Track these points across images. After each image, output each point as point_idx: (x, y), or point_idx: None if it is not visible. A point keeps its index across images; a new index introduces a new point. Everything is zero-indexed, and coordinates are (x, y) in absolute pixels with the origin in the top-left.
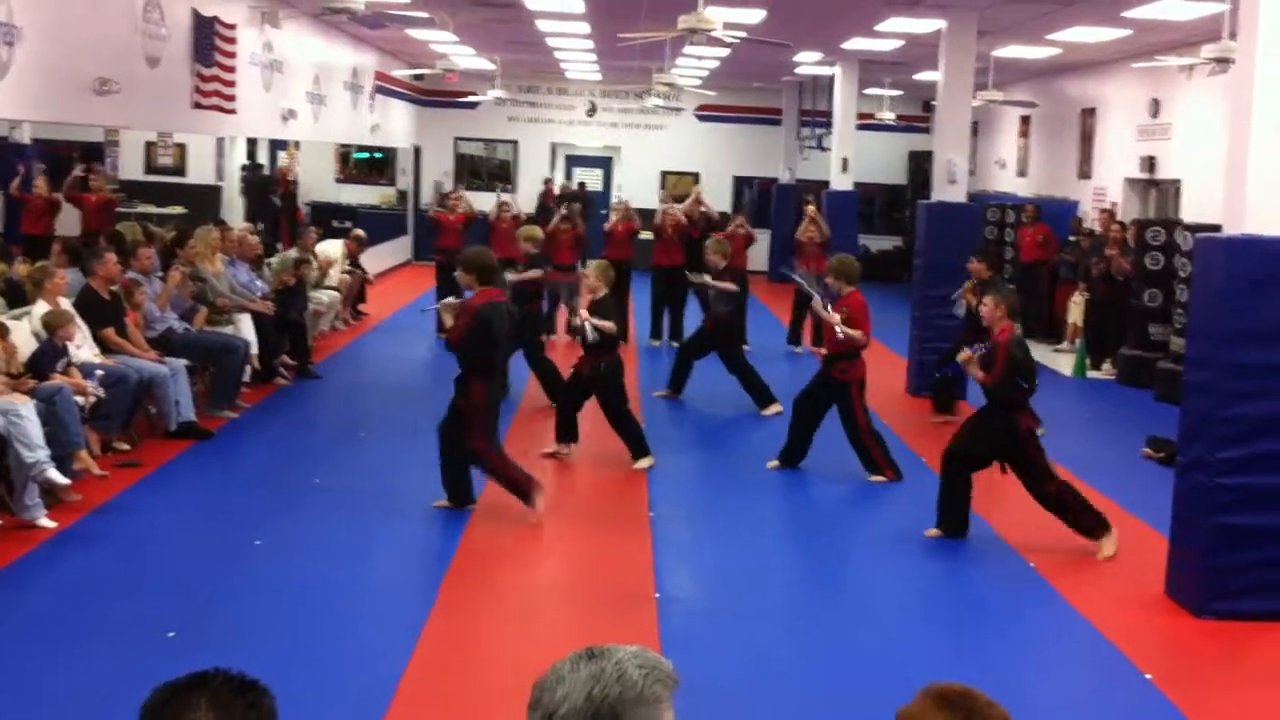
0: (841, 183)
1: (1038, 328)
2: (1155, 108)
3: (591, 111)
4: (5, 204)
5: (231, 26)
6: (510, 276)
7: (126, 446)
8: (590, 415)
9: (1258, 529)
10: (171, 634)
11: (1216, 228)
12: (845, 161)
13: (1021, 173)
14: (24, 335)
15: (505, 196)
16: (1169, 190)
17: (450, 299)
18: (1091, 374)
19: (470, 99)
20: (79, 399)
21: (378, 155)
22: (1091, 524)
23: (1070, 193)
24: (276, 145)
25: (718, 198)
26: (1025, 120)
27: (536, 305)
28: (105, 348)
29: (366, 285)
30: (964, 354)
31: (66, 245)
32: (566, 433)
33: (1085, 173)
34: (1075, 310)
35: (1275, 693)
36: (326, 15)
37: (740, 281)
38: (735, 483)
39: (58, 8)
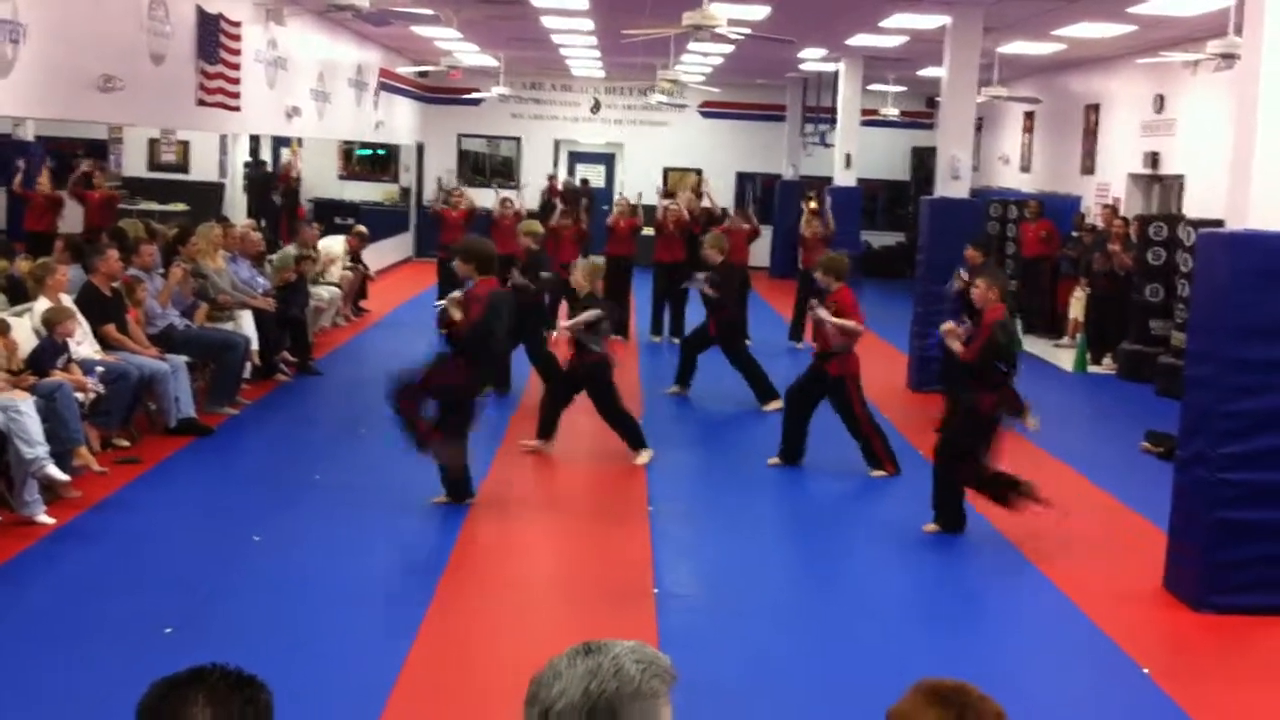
0: (845, 179)
1: (1039, 323)
2: (1160, 103)
3: (595, 108)
4: (8, 200)
5: (236, 24)
6: (514, 278)
7: (126, 443)
8: (587, 411)
9: (1257, 524)
10: (170, 630)
11: (1219, 223)
12: (849, 157)
13: (1025, 168)
14: (25, 332)
15: (507, 193)
16: (1172, 186)
17: (455, 294)
18: (1092, 369)
19: (474, 96)
20: (79, 395)
21: (381, 152)
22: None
23: (1074, 188)
24: (280, 142)
25: (721, 194)
26: (1029, 116)
27: (538, 299)
28: (106, 344)
29: (368, 282)
30: (947, 325)
31: (69, 242)
32: (547, 428)
33: (1089, 168)
34: (1077, 305)
35: (1274, 688)
36: (331, 12)
37: (742, 277)
38: (735, 478)
39: (62, 5)
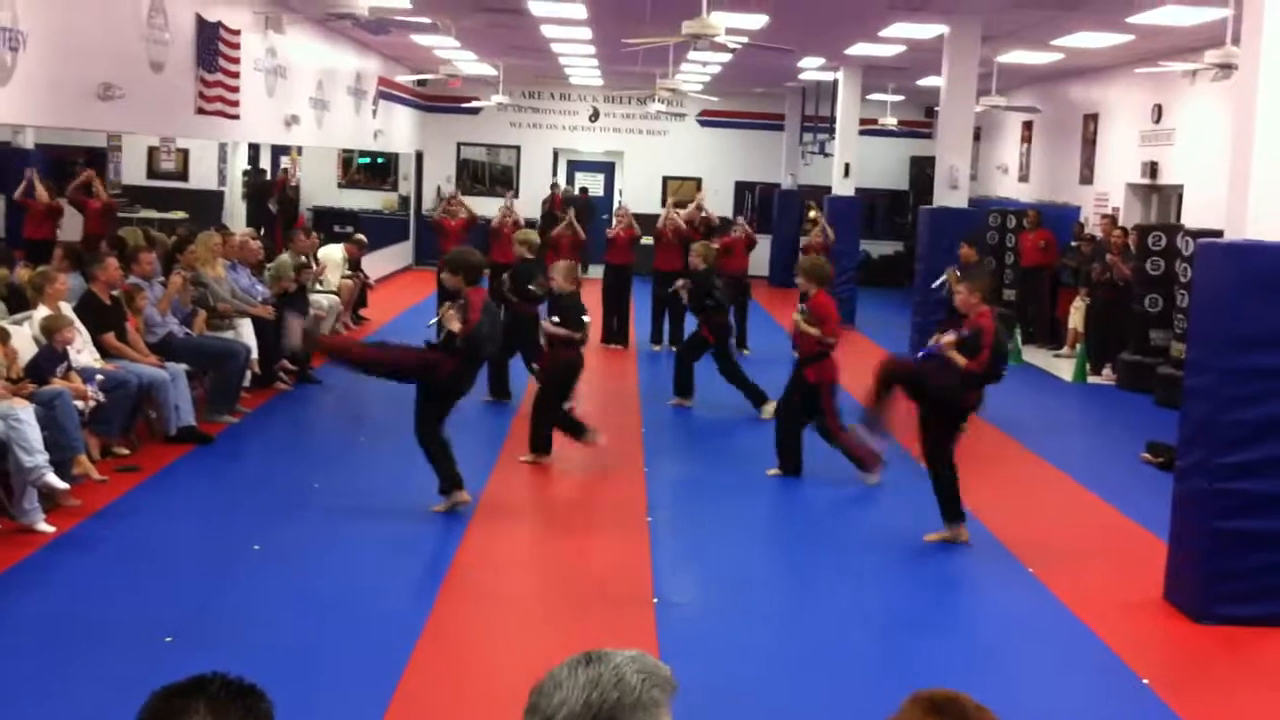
0: (844, 188)
1: (1039, 333)
2: (1158, 113)
3: (594, 117)
4: (7, 209)
5: (235, 32)
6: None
7: (126, 451)
8: (587, 420)
9: (1257, 534)
10: (170, 638)
11: (1218, 233)
12: (847, 167)
13: (1023, 178)
14: (24, 340)
15: (507, 202)
16: (1171, 196)
17: (449, 306)
18: (1092, 379)
19: (473, 104)
20: (79, 403)
21: (380, 160)
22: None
23: (1072, 198)
24: (279, 150)
25: (720, 203)
26: (1028, 125)
27: (531, 308)
28: (106, 352)
29: (368, 290)
30: (948, 338)
31: (68, 250)
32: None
33: (1087, 178)
34: (1076, 315)
35: (1275, 698)
36: (330, 21)
37: (741, 286)
38: (734, 487)
39: (62, 13)
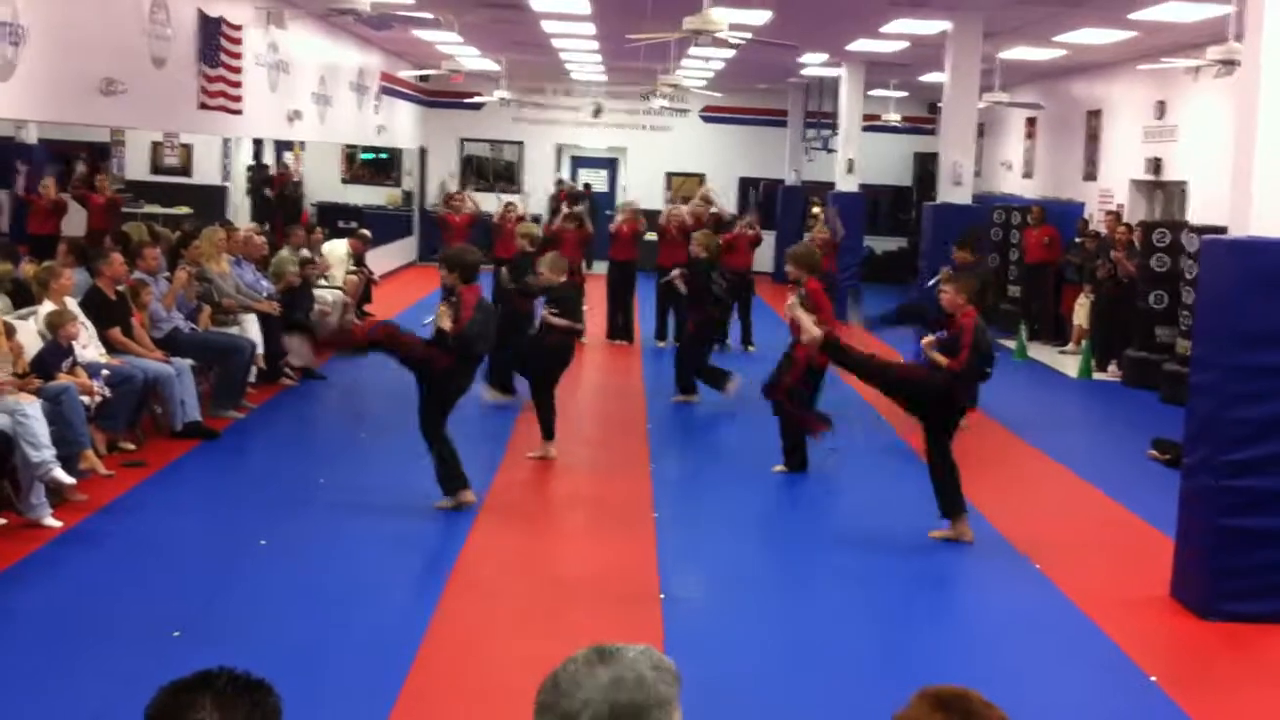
0: (847, 184)
1: (1043, 329)
2: (1161, 109)
3: (597, 113)
4: (11, 204)
5: (237, 27)
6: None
7: (132, 446)
8: (592, 417)
9: (1263, 531)
10: (177, 633)
11: (1222, 229)
12: (851, 163)
13: (1027, 174)
14: (30, 335)
15: (510, 198)
16: (1175, 192)
17: (443, 307)
18: (1097, 376)
19: (476, 100)
20: (85, 399)
21: (383, 156)
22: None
23: (1076, 194)
24: (282, 146)
25: (723, 200)
26: (1031, 122)
27: (528, 305)
28: (111, 348)
29: (372, 285)
30: (927, 339)
31: (73, 245)
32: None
33: (1091, 174)
34: (1081, 312)
35: None
36: (332, 16)
37: (745, 283)
38: (739, 483)
39: (64, 8)
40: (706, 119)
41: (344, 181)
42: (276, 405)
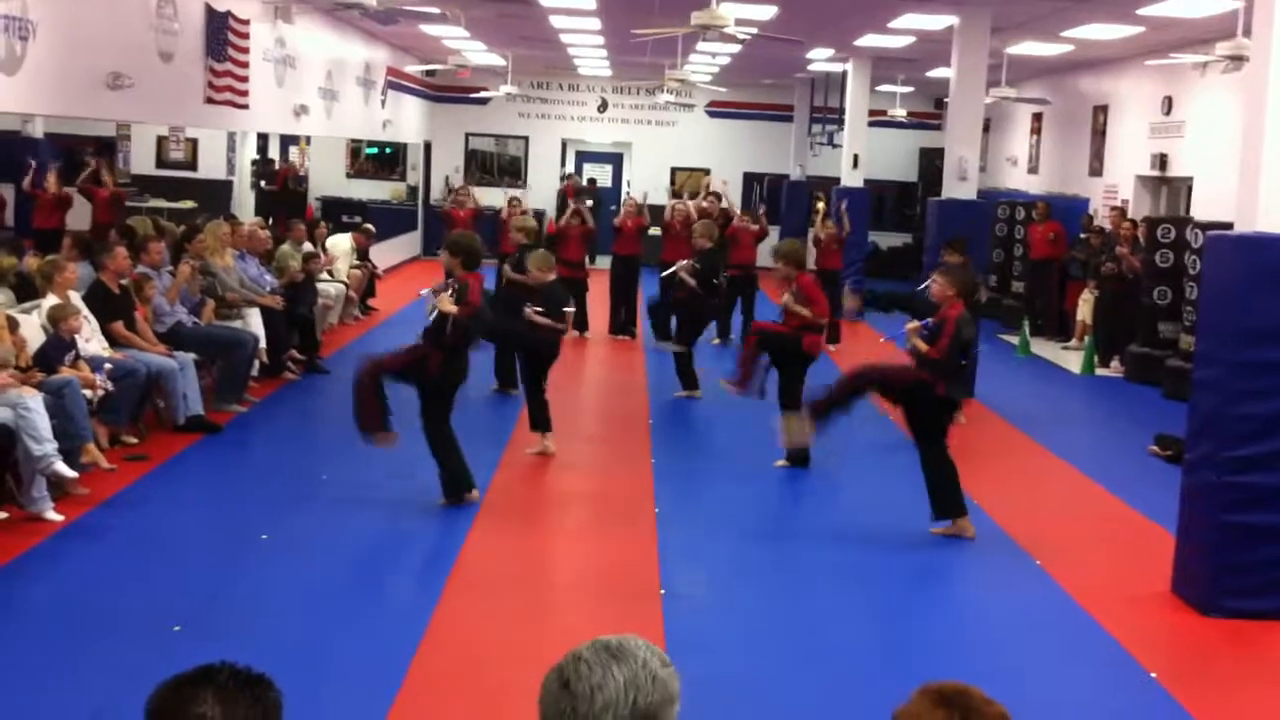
0: (852, 179)
1: (1047, 325)
2: (1168, 105)
3: (603, 107)
4: (17, 198)
5: (245, 22)
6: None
7: (134, 440)
8: (594, 413)
9: (1265, 527)
10: (178, 628)
11: (1228, 225)
12: (856, 158)
13: (1033, 170)
14: (33, 329)
15: (515, 192)
16: (1180, 188)
17: (440, 290)
18: (1100, 371)
19: (481, 94)
20: (87, 392)
21: (388, 150)
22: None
23: (1081, 190)
24: (288, 140)
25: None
26: (1037, 117)
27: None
28: (114, 341)
29: (376, 280)
30: (912, 324)
31: (77, 239)
32: (540, 423)
33: (1097, 170)
34: (1085, 307)
35: None
36: (339, 11)
37: (748, 278)
38: (741, 479)
39: (71, 3)
40: (712, 114)
41: (349, 176)
42: (279, 399)
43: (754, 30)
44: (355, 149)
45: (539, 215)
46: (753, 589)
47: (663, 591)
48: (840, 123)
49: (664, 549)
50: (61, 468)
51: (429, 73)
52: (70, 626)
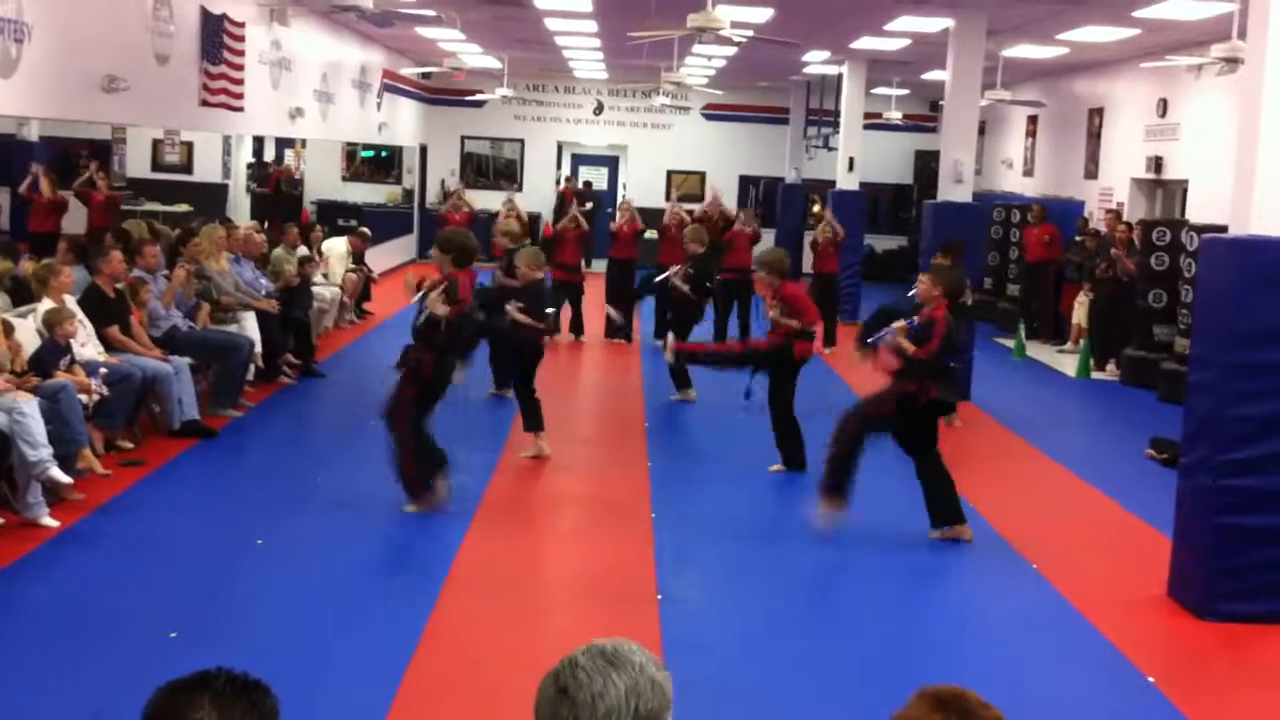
0: (848, 182)
1: (1042, 328)
2: (1163, 108)
3: (598, 110)
4: (12, 201)
5: (240, 24)
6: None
7: (130, 445)
8: (590, 416)
9: (1261, 530)
10: (174, 633)
11: (1223, 228)
12: (852, 161)
13: (1028, 172)
14: (28, 333)
15: (511, 195)
16: (1175, 191)
17: (434, 292)
18: (1095, 374)
19: (477, 97)
20: (83, 397)
21: (384, 153)
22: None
23: (1077, 193)
24: (284, 143)
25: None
26: (1033, 120)
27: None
28: (109, 346)
29: (371, 283)
30: (899, 324)
31: (72, 243)
32: (533, 423)
33: (1092, 173)
34: (1080, 310)
35: (1278, 696)
36: (335, 13)
37: (744, 281)
38: (737, 482)
39: (67, 5)
40: (708, 117)
41: (344, 179)
42: (275, 404)
43: (750, 33)
44: (351, 152)
45: (534, 218)
46: (749, 591)
47: (659, 594)
48: (836, 125)
49: (660, 552)
50: (57, 473)
51: (425, 75)
52: (67, 632)
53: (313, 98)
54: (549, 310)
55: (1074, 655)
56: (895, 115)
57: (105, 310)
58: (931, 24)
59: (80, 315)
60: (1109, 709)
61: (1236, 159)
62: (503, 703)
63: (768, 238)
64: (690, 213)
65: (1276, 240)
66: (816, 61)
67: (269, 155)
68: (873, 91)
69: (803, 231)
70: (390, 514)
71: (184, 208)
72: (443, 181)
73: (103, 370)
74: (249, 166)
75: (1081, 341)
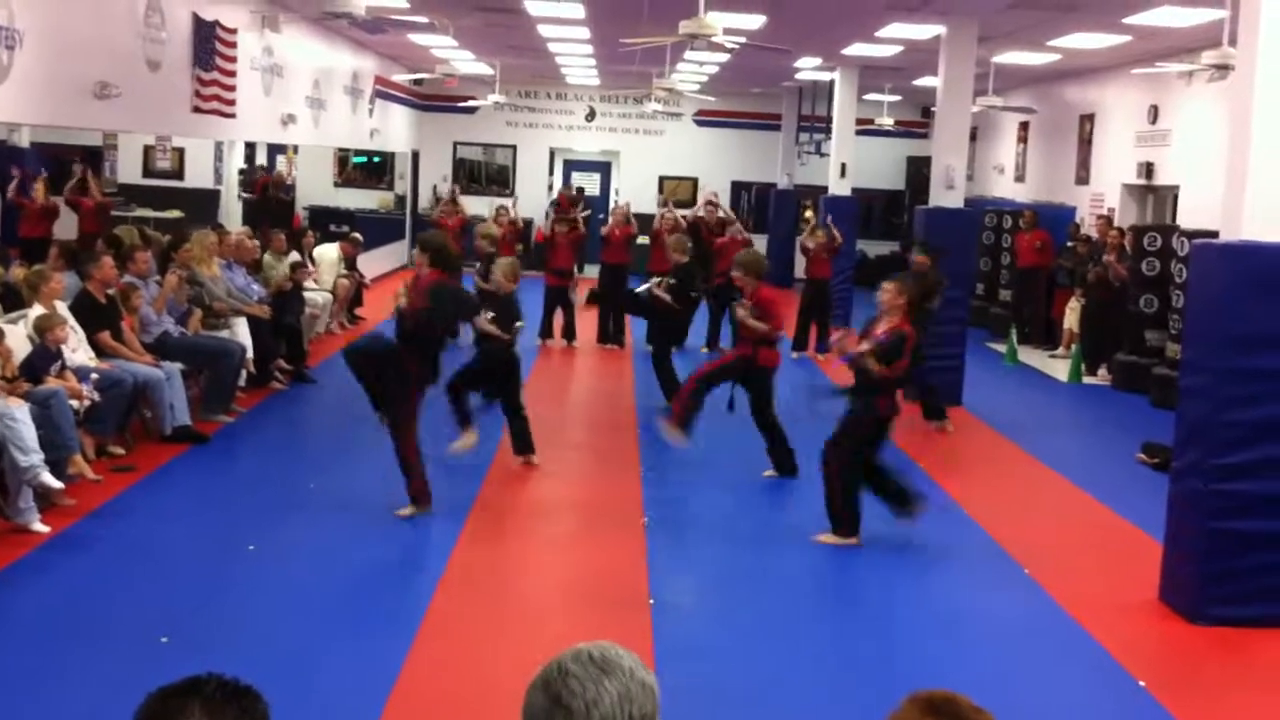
0: (840, 188)
1: (1034, 333)
2: (1154, 114)
3: (590, 116)
4: (2, 207)
5: (232, 31)
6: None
7: (121, 450)
8: (583, 421)
9: (1252, 535)
10: (165, 639)
11: (1214, 234)
12: (844, 166)
13: (1020, 178)
14: (19, 339)
15: (503, 202)
16: (1166, 196)
17: (402, 286)
18: (1087, 379)
19: (469, 103)
20: (74, 403)
21: (376, 159)
22: (839, 517)
23: (1068, 198)
24: (275, 149)
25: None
26: (1024, 126)
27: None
28: (101, 351)
29: (363, 289)
30: (864, 347)
31: (63, 249)
32: (520, 443)
33: (1083, 178)
34: (1071, 316)
35: (1270, 699)
36: (327, 20)
37: (734, 287)
38: (730, 488)
39: (58, 11)
40: (700, 123)
41: (336, 185)
42: (266, 409)
43: (742, 39)
44: (343, 158)
45: (527, 224)
46: (741, 596)
47: (651, 599)
48: (828, 131)
49: (653, 556)
50: (48, 479)
51: (417, 82)
52: (57, 638)
53: (305, 104)
54: (518, 324)
55: (1066, 659)
56: (887, 121)
57: (96, 316)
58: (923, 31)
59: (71, 321)
60: (1101, 713)
61: (1227, 164)
62: (496, 708)
63: (759, 244)
64: (685, 217)
65: (1267, 245)
66: (808, 68)
67: (261, 162)
68: (864, 97)
69: (796, 236)
70: (383, 519)
71: (176, 214)
72: (435, 187)
73: (94, 376)
74: (241, 172)
75: (1073, 346)
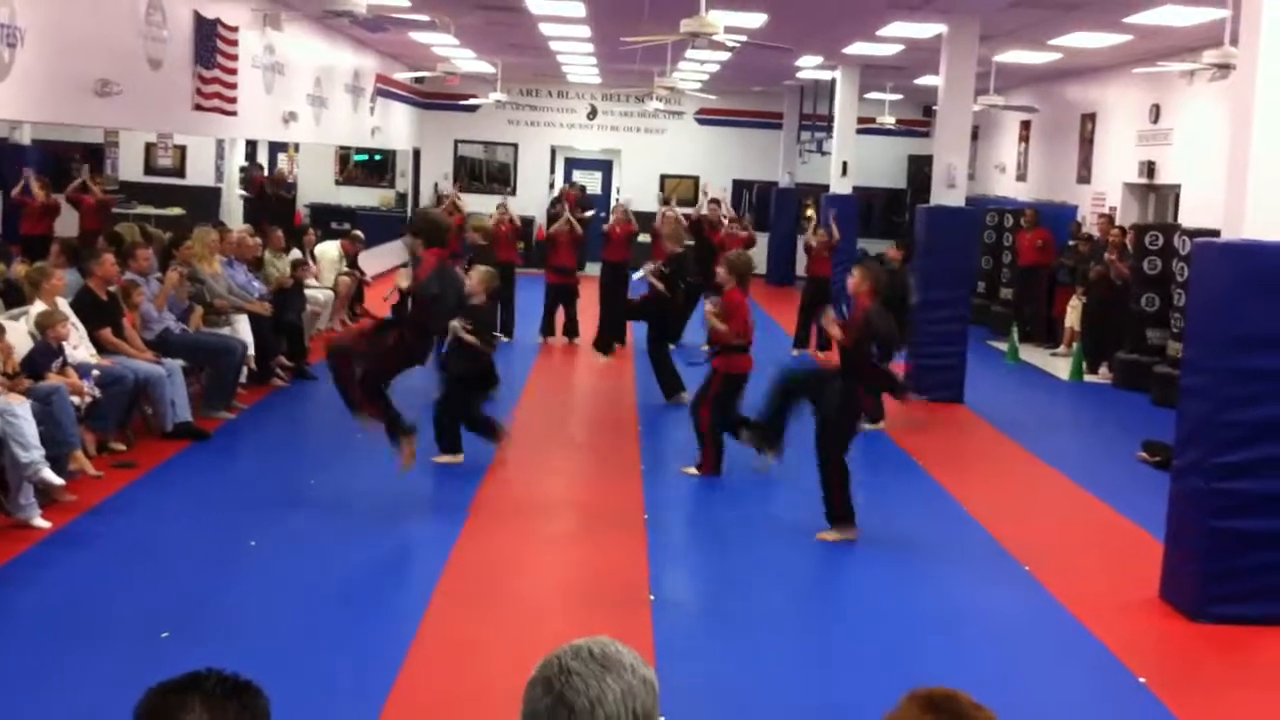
0: (841, 187)
1: (1035, 332)
2: (1155, 113)
3: (592, 114)
4: (4, 205)
5: (233, 29)
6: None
7: (122, 447)
8: (583, 420)
9: (1253, 533)
10: (165, 635)
11: (1215, 233)
12: (845, 165)
13: (1021, 177)
14: (21, 335)
15: (503, 199)
16: (1168, 195)
17: (402, 269)
18: (1089, 378)
19: (470, 102)
20: (75, 399)
21: (377, 157)
22: (837, 511)
23: (1070, 197)
24: (277, 147)
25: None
26: (1025, 125)
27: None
28: (102, 348)
29: (364, 287)
30: (828, 314)
31: (65, 246)
32: (487, 433)
33: (1085, 177)
34: (1073, 314)
35: (1271, 697)
36: (328, 18)
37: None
38: (730, 487)
39: (60, 9)
40: (701, 121)
41: (338, 183)
42: (267, 406)
43: (743, 38)
44: (344, 156)
45: (528, 222)
46: (742, 595)
47: (652, 598)
48: (829, 130)
49: (653, 555)
50: (49, 475)
51: (418, 80)
52: (58, 633)
53: (306, 102)
54: (494, 334)
55: (1066, 657)
56: (888, 120)
57: (98, 313)
58: (924, 30)
59: (73, 318)
60: (1101, 711)
61: (1229, 164)
62: (496, 706)
63: (761, 242)
64: (687, 216)
65: (1269, 244)
66: (810, 66)
67: (263, 159)
68: (866, 96)
69: (797, 234)
70: (383, 516)
71: (177, 211)
72: (436, 185)
73: (95, 372)
74: (242, 170)
75: (1074, 345)
